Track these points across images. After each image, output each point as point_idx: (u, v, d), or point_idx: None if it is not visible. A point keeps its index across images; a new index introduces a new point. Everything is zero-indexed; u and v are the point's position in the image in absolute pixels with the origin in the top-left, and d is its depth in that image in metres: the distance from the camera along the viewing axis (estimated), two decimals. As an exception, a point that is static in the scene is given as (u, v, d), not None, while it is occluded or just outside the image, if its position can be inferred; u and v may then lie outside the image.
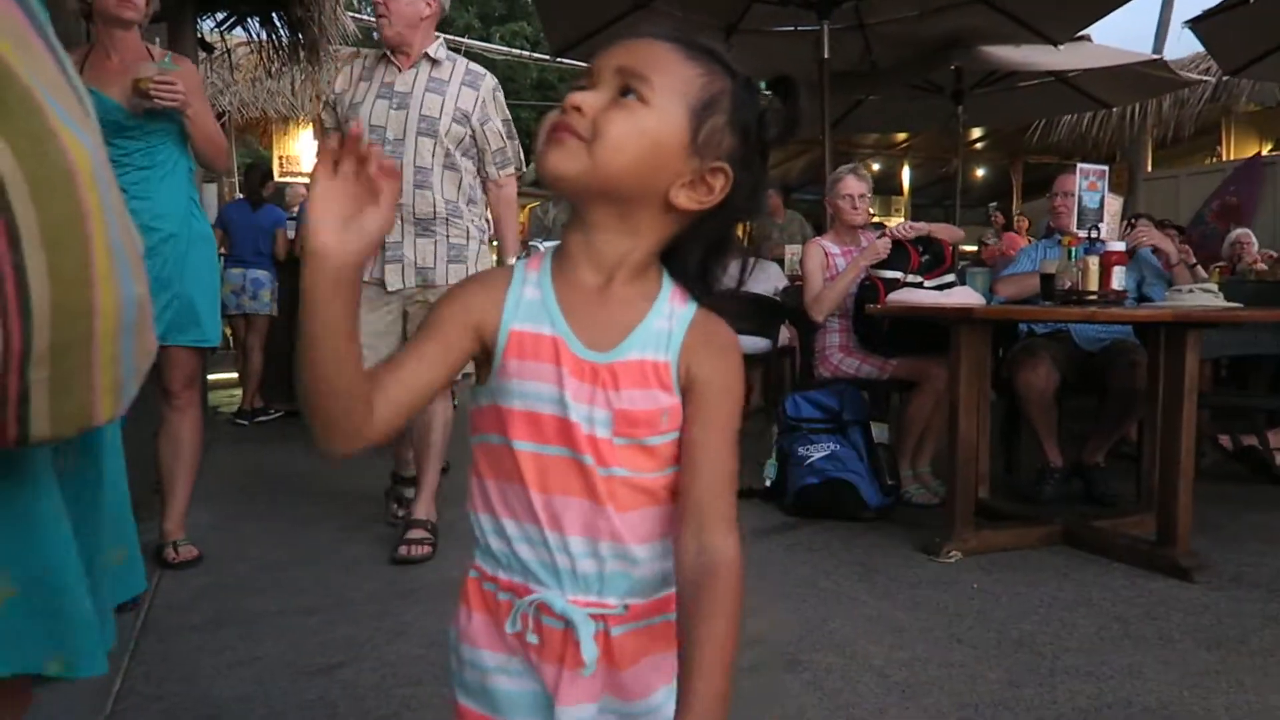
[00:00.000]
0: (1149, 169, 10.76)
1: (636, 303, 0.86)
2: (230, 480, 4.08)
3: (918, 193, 14.15)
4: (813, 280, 3.85)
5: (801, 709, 1.91)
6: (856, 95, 7.51)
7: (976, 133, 11.78)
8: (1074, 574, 2.81)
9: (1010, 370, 3.75)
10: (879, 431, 3.74)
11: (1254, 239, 6.30)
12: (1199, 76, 8.39)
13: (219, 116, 9.17)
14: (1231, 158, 10.12)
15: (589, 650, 0.83)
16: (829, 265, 3.88)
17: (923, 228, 3.78)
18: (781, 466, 3.63)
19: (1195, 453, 2.93)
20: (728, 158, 0.84)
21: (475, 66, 3.07)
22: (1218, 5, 5.52)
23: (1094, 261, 3.11)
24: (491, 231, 3.24)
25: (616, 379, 0.83)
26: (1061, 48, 6.31)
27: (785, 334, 5.38)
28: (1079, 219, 3.28)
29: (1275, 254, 6.18)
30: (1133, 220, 4.29)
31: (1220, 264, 6.13)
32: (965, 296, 3.56)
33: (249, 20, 6.03)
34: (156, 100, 2.58)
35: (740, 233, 0.91)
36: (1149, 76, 7.00)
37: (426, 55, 2.96)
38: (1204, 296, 3.15)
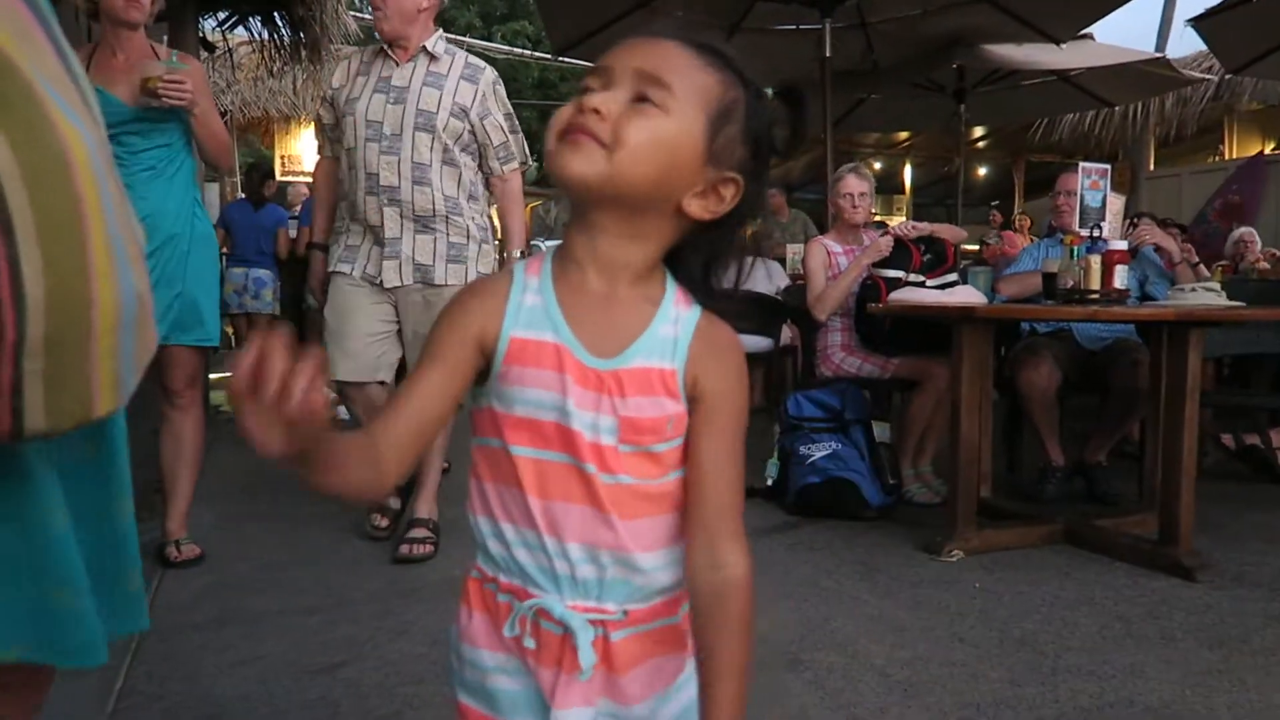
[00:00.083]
0: (1151, 168, 10.76)
1: (641, 307, 0.85)
2: (232, 479, 4.09)
3: (919, 192, 14.15)
4: (815, 279, 3.85)
5: (803, 708, 1.91)
6: (858, 94, 7.50)
7: (978, 131, 11.78)
8: (1076, 573, 2.81)
9: (1012, 369, 3.75)
10: (881, 430, 3.74)
11: (1258, 238, 6.30)
12: (1201, 75, 8.38)
13: (220, 116, 9.23)
14: (1234, 156, 10.11)
15: (586, 656, 0.83)
16: (831, 264, 3.88)
17: (925, 228, 3.78)
18: (783, 465, 3.63)
19: (1197, 452, 2.93)
20: (739, 168, 0.84)
21: (474, 60, 3.01)
22: (1220, 4, 5.52)
23: (1096, 260, 3.11)
24: (493, 230, 3.17)
25: (623, 386, 0.83)
26: (1064, 46, 6.31)
27: (787, 333, 5.38)
28: (1081, 218, 3.28)
29: (1278, 253, 6.17)
30: (1134, 220, 4.29)
31: (1223, 263, 6.12)
32: (967, 295, 3.56)
33: (251, 19, 6.04)
34: (164, 99, 2.58)
35: (744, 234, 0.91)
36: (1151, 75, 7.00)
37: (424, 49, 2.90)
38: (1206, 295, 3.15)
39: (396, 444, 0.81)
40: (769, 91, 0.87)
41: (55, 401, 0.79)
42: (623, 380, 0.83)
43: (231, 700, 1.94)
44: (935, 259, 3.72)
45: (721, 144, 0.83)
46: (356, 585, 2.65)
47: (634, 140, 0.79)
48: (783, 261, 6.55)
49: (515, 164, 3.04)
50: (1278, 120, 10.11)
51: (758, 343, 5.07)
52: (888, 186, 12.95)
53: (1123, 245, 3.19)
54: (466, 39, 11.92)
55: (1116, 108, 8.97)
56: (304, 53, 6.09)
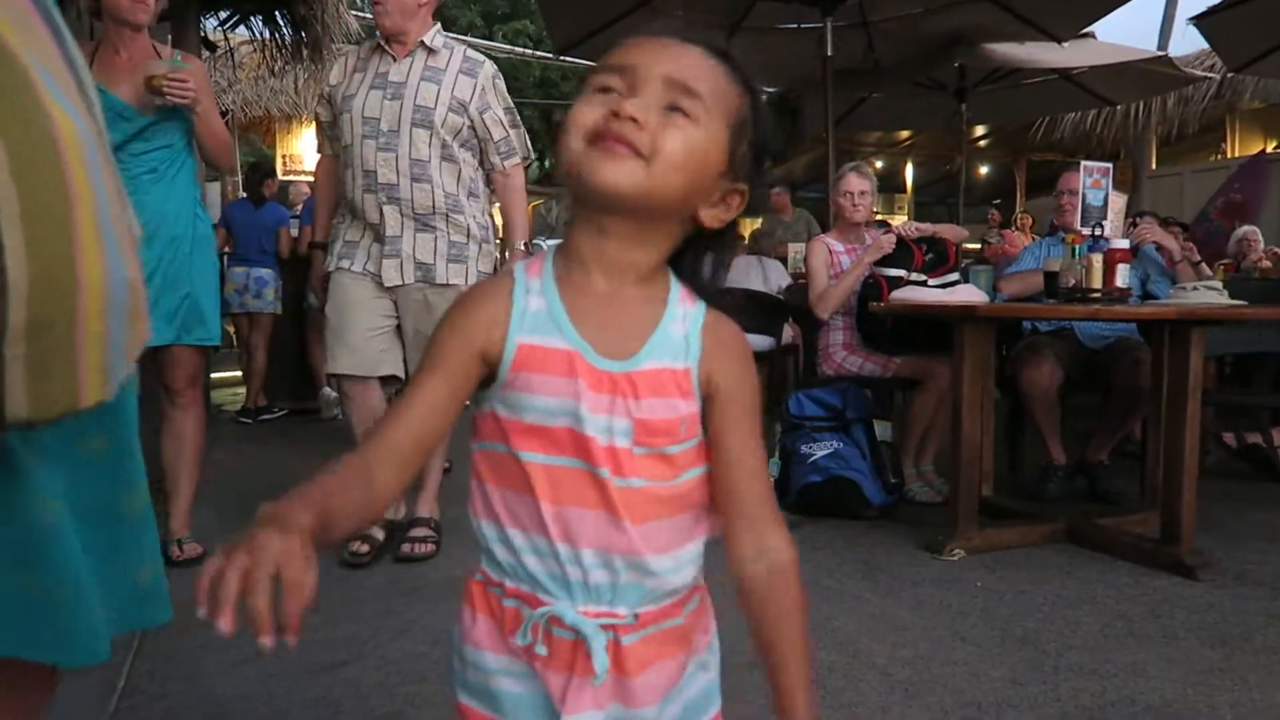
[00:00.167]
0: (1153, 166, 10.76)
1: (648, 306, 0.85)
2: (234, 478, 4.09)
3: (921, 190, 14.16)
4: (817, 278, 3.85)
5: (805, 707, 1.91)
6: (860, 93, 7.50)
7: (980, 130, 11.77)
8: (1078, 572, 2.81)
9: (1014, 368, 3.75)
10: (882, 429, 3.73)
11: (1261, 236, 6.29)
12: (1203, 73, 8.38)
13: (222, 115, 9.23)
14: (1236, 155, 10.10)
15: (601, 661, 0.82)
16: (833, 263, 3.88)
17: (927, 228, 3.78)
18: (784, 464, 3.63)
19: (1199, 451, 2.93)
20: (746, 178, 0.85)
21: (473, 54, 2.95)
22: (1222, 2, 5.52)
23: (1098, 259, 3.11)
24: (494, 229, 3.12)
25: (636, 388, 0.82)
26: (1065, 45, 6.31)
27: (789, 332, 5.38)
28: (1083, 216, 3.28)
29: (1279, 251, 6.17)
30: (1134, 219, 4.28)
31: (1225, 261, 6.12)
32: (969, 294, 3.55)
33: (252, 19, 6.04)
34: (169, 97, 2.59)
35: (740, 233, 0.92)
36: (1153, 73, 6.99)
37: (422, 44, 2.85)
38: (1208, 294, 3.15)
39: (394, 461, 0.80)
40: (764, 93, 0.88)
41: (39, 389, 0.76)
42: (636, 382, 0.82)
43: (233, 699, 1.95)
44: (937, 258, 3.72)
45: (740, 155, 0.84)
46: (358, 584, 2.65)
47: (671, 152, 0.78)
48: (784, 260, 6.55)
49: (517, 159, 2.98)
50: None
51: (759, 341, 5.07)
52: (889, 185, 12.96)
53: (1124, 244, 3.19)
54: (467, 38, 11.91)
55: (1118, 106, 8.97)
56: (305, 52, 6.09)
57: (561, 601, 0.83)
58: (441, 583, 2.66)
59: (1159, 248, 3.87)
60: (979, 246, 9.45)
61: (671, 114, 0.79)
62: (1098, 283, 3.10)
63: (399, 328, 2.95)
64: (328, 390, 5.80)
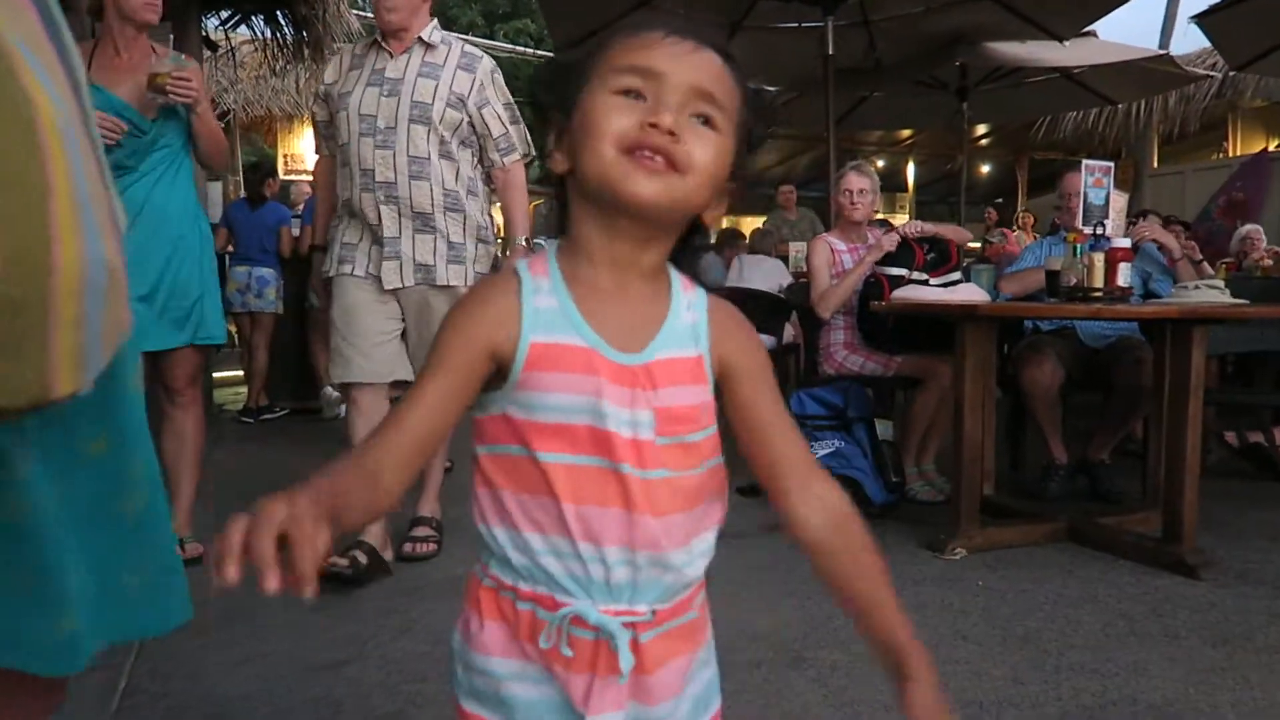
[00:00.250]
0: (1155, 165, 10.75)
1: (655, 298, 0.86)
2: (235, 478, 4.09)
3: (922, 189, 14.15)
4: (819, 277, 3.85)
5: (806, 706, 1.91)
6: (861, 92, 7.50)
7: (981, 129, 11.78)
8: (1079, 571, 2.81)
9: (1015, 367, 3.75)
10: (883, 429, 3.73)
11: (1264, 235, 6.28)
12: (1205, 72, 8.38)
13: (223, 115, 9.24)
14: (1238, 153, 10.10)
15: (626, 659, 0.82)
16: (835, 262, 3.88)
17: (930, 228, 3.78)
18: (786, 464, 3.63)
19: (1201, 450, 2.93)
20: (738, 176, 0.87)
21: (471, 49, 2.90)
22: (1224, 1, 5.51)
23: (1099, 258, 3.11)
24: (494, 229, 3.07)
25: (654, 378, 0.83)
26: (1067, 44, 6.31)
27: (790, 331, 5.38)
28: (1084, 215, 3.27)
29: (1280, 250, 6.16)
30: (1134, 219, 4.28)
31: (1227, 260, 6.11)
32: (970, 293, 3.55)
33: (253, 18, 6.04)
34: (172, 96, 2.59)
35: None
36: (1155, 72, 6.99)
37: (420, 39, 2.79)
38: (1210, 293, 3.14)
39: (397, 462, 0.80)
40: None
41: (7, 372, 0.72)
42: (654, 372, 0.83)
43: (234, 699, 1.95)
44: (939, 258, 3.71)
45: (740, 155, 0.85)
46: (360, 583, 2.66)
47: (704, 165, 0.80)
48: (785, 259, 6.56)
49: (517, 155, 2.92)
50: (1282, 117, 10.10)
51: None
52: (890, 184, 12.95)
53: (1126, 243, 3.19)
54: (469, 37, 11.92)
55: (1120, 105, 8.97)
56: (307, 51, 6.10)
57: (582, 601, 0.82)
58: (443, 582, 2.66)
59: (1160, 247, 3.87)
60: (979, 245, 9.45)
61: (698, 124, 0.81)
62: (1099, 282, 3.10)
63: (404, 332, 2.89)
64: (329, 390, 5.80)
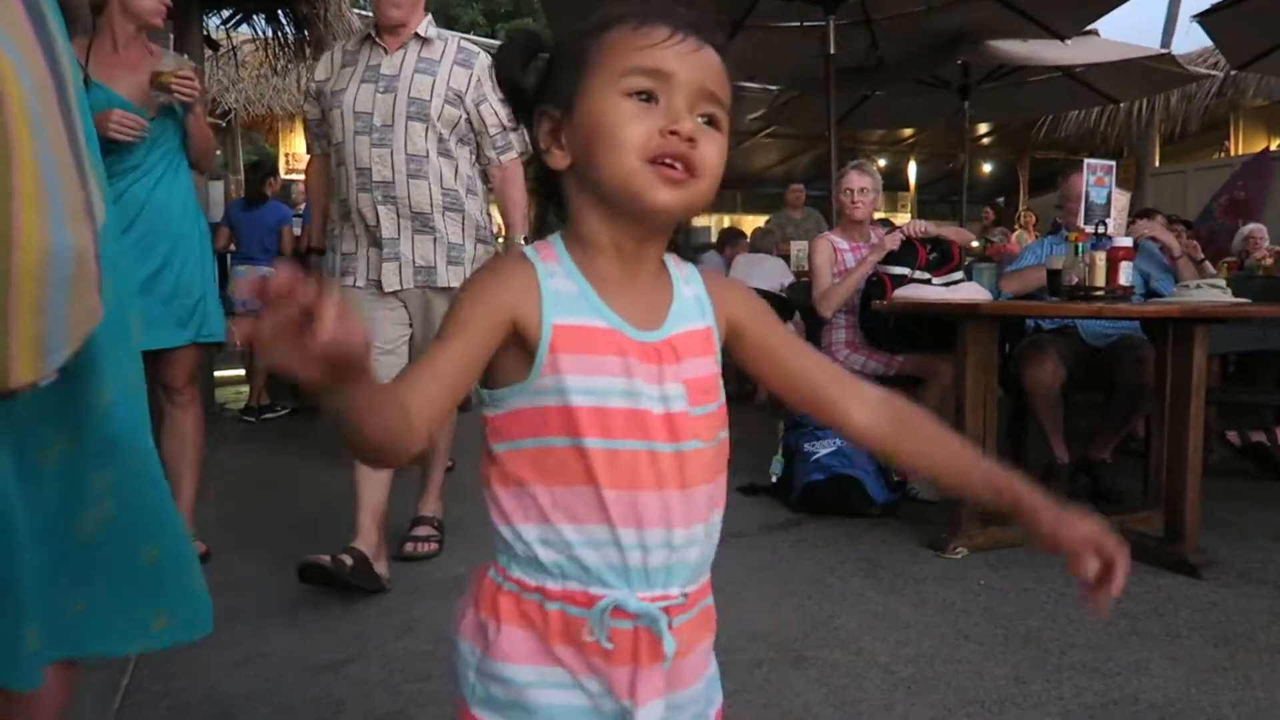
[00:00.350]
0: (1157, 164, 10.74)
1: (658, 279, 0.88)
2: (237, 477, 4.09)
3: (924, 189, 14.14)
4: (821, 276, 3.84)
5: (807, 705, 1.91)
6: (862, 91, 7.50)
7: (983, 128, 11.77)
8: (1081, 570, 2.80)
9: (1017, 366, 3.74)
10: (885, 428, 3.72)
11: (1266, 234, 6.28)
12: (1207, 71, 8.37)
13: (224, 114, 9.25)
14: (1239, 153, 10.10)
15: (670, 643, 0.82)
16: (837, 260, 3.88)
17: (932, 229, 3.78)
18: (788, 462, 3.63)
19: (1203, 449, 2.93)
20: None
21: (468, 44, 2.82)
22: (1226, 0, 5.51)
23: (1101, 257, 3.10)
24: (493, 228, 3.00)
25: (676, 352, 0.84)
26: (1069, 42, 6.30)
27: (791, 330, 5.38)
28: (1086, 214, 3.27)
29: (1282, 249, 6.16)
30: (1134, 220, 4.27)
31: (1229, 259, 6.11)
32: (972, 292, 3.55)
33: (254, 17, 6.04)
34: (177, 94, 2.61)
35: None
36: (1156, 71, 6.98)
37: (416, 34, 2.72)
38: (1212, 292, 3.14)
39: (426, 405, 0.77)
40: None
41: None
42: (675, 347, 0.84)
43: (236, 698, 1.95)
44: (941, 257, 3.71)
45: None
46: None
47: (715, 167, 0.82)
48: (787, 258, 6.56)
49: (514, 153, 2.84)
50: (1283, 116, 10.09)
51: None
52: (892, 183, 12.94)
53: (1128, 242, 3.18)
54: (470, 37, 11.92)
55: (1121, 104, 8.96)
56: (308, 50, 6.10)
57: (620, 591, 0.82)
58: (444, 581, 2.66)
59: (1162, 247, 3.87)
60: (979, 245, 9.45)
61: (704, 125, 0.82)
62: (1101, 281, 3.10)
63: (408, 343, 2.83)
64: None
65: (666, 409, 0.82)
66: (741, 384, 5.71)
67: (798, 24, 6.17)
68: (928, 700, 1.94)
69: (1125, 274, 3.10)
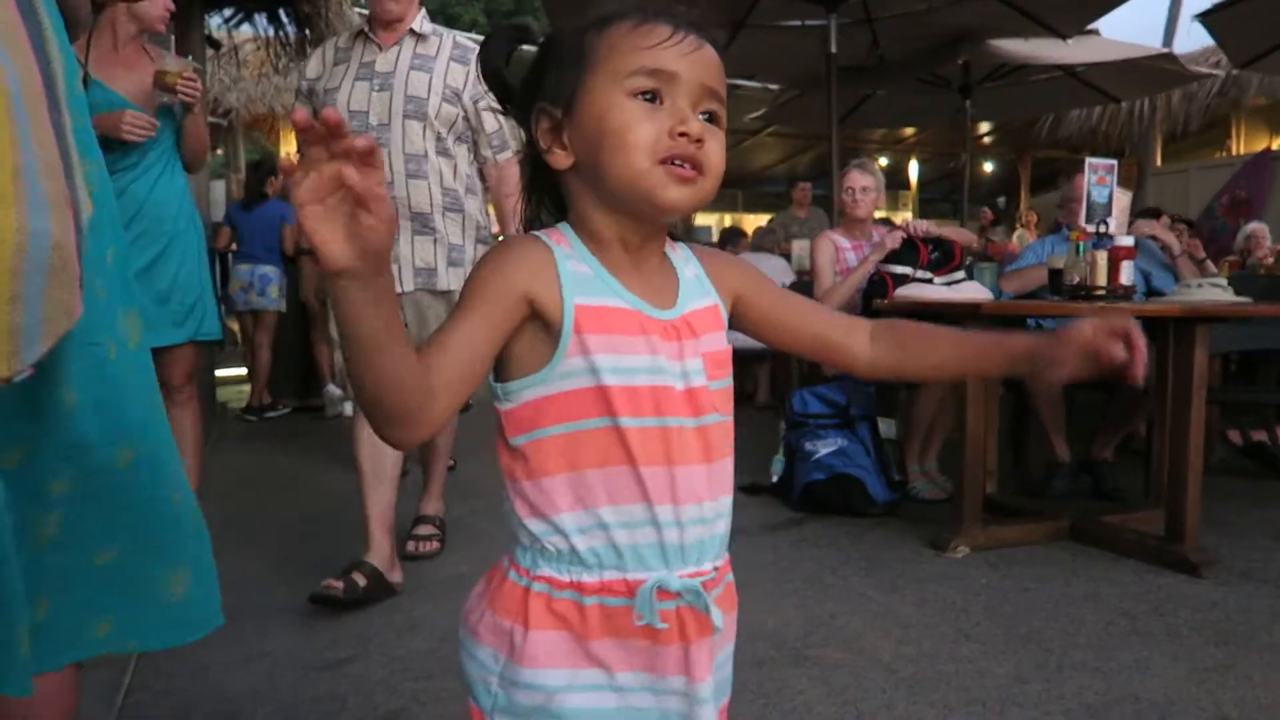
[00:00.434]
0: (1158, 163, 10.73)
1: (661, 262, 0.90)
2: (239, 476, 4.10)
3: (925, 188, 14.13)
4: (823, 275, 3.85)
5: (808, 704, 1.91)
6: (864, 90, 7.49)
7: (984, 127, 11.74)
8: (1082, 569, 2.81)
9: (1018, 365, 3.74)
10: (886, 427, 3.73)
11: (1268, 233, 6.27)
12: (1208, 70, 8.36)
13: (226, 113, 9.25)
14: (1241, 152, 10.09)
15: (718, 616, 0.84)
16: (839, 259, 3.88)
17: (934, 230, 3.78)
18: (789, 462, 3.63)
19: (1204, 448, 2.92)
20: None
21: (464, 40, 2.75)
22: (1228, -2, 5.50)
23: (1102, 256, 3.10)
24: (492, 228, 2.96)
25: (693, 328, 0.86)
26: (1070, 42, 6.29)
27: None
28: (1087, 213, 3.27)
29: (1282, 248, 6.15)
30: (1135, 219, 4.27)
31: (1231, 258, 6.10)
32: (974, 291, 3.55)
33: (256, 16, 6.05)
34: (181, 95, 2.62)
35: None
36: (1158, 70, 6.97)
37: (411, 30, 2.64)
38: (1213, 291, 3.14)
39: (444, 380, 0.76)
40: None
41: None
42: (691, 323, 0.87)
43: (239, 696, 1.95)
44: (943, 257, 3.72)
45: None
46: (363, 581, 2.66)
47: (719, 164, 0.84)
48: (788, 257, 6.55)
49: (509, 153, 2.76)
50: (1285, 115, 10.08)
51: (763, 339, 5.06)
52: (893, 182, 12.92)
53: (1129, 241, 3.18)
54: (472, 36, 11.92)
55: (1123, 103, 8.94)
56: (309, 49, 6.09)
57: (659, 571, 0.83)
58: (447, 580, 2.66)
59: (1163, 246, 3.87)
60: (980, 244, 9.44)
61: (706, 122, 0.83)
62: (1102, 280, 3.10)
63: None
64: (332, 388, 5.81)
65: (688, 384, 0.84)
66: (741, 384, 5.72)
67: (799, 23, 6.17)
68: (929, 699, 1.94)
69: (1127, 273, 3.10)
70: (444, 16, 16.71)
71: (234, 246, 6.01)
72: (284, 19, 6.04)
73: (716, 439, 0.86)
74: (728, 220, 12.74)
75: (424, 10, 2.74)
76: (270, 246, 5.89)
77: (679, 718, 0.85)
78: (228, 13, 6.02)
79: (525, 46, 0.93)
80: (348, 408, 5.37)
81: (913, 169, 13.54)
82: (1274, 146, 9.65)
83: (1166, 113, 9.87)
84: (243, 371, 6.81)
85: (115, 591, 0.99)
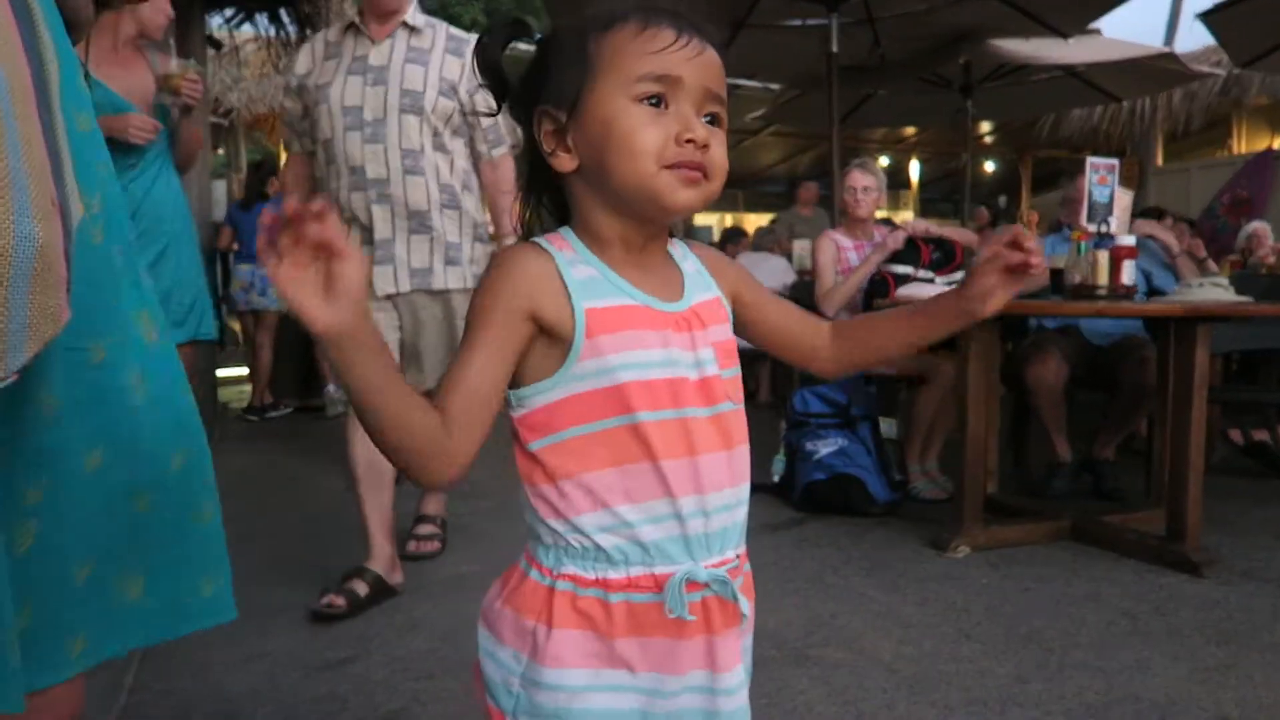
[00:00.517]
0: (1160, 162, 10.72)
1: (662, 259, 0.91)
2: (240, 475, 4.10)
3: (926, 187, 14.12)
4: (824, 274, 3.84)
5: (809, 704, 1.91)
6: (865, 89, 7.48)
7: (986, 127, 11.73)
8: (1083, 569, 2.80)
9: (1020, 365, 3.74)
10: (887, 427, 3.73)
11: (1270, 232, 6.26)
12: (1209, 69, 8.35)
13: (227, 113, 9.24)
14: (1242, 151, 10.08)
15: (745, 604, 0.86)
16: (841, 259, 3.88)
17: (935, 231, 3.78)
18: (789, 462, 3.63)
19: (1205, 448, 2.92)
20: None
21: (458, 32, 2.68)
22: (1229, -3, 5.49)
23: (1104, 256, 3.10)
24: (489, 226, 2.88)
25: (702, 319, 0.88)
26: (1071, 41, 6.28)
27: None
28: (1089, 213, 3.27)
29: (1283, 248, 6.14)
30: (1136, 218, 4.27)
31: (1232, 257, 6.10)
32: (974, 291, 3.55)
33: (257, 16, 6.05)
34: (185, 97, 2.64)
35: None
36: (1159, 70, 6.96)
37: (404, 23, 2.57)
38: (1214, 290, 3.14)
39: (461, 420, 0.79)
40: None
41: None
42: (700, 314, 0.88)
43: (240, 696, 1.95)
44: (944, 257, 3.72)
45: None
46: (364, 581, 2.66)
47: (723, 166, 0.85)
48: (789, 257, 6.55)
49: (505, 148, 2.70)
50: (1286, 115, 10.07)
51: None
52: (894, 182, 12.90)
53: (1130, 240, 3.18)
54: (472, 35, 11.90)
55: (1124, 102, 8.94)
56: (310, 49, 6.09)
57: (684, 563, 0.84)
58: (448, 580, 2.66)
59: (1163, 246, 3.87)
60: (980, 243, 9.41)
61: (713, 126, 0.84)
62: (1104, 279, 3.10)
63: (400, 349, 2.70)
64: (332, 388, 5.81)
65: (701, 374, 0.85)
66: (742, 383, 5.71)
67: (800, 23, 6.16)
68: (929, 699, 1.94)
69: (1128, 273, 3.10)
70: (444, 16, 16.69)
71: (234, 246, 6.00)
72: (285, 19, 6.03)
73: (732, 426, 0.88)
74: (729, 220, 12.74)
75: (415, 1, 2.66)
76: (271, 246, 5.88)
77: (699, 715, 0.86)
78: (229, 13, 6.02)
79: (523, 45, 0.93)
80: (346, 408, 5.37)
81: (914, 169, 13.53)
82: (1275, 146, 9.64)
83: (1168, 112, 9.86)
84: (244, 371, 6.81)
85: (89, 607, 0.97)
